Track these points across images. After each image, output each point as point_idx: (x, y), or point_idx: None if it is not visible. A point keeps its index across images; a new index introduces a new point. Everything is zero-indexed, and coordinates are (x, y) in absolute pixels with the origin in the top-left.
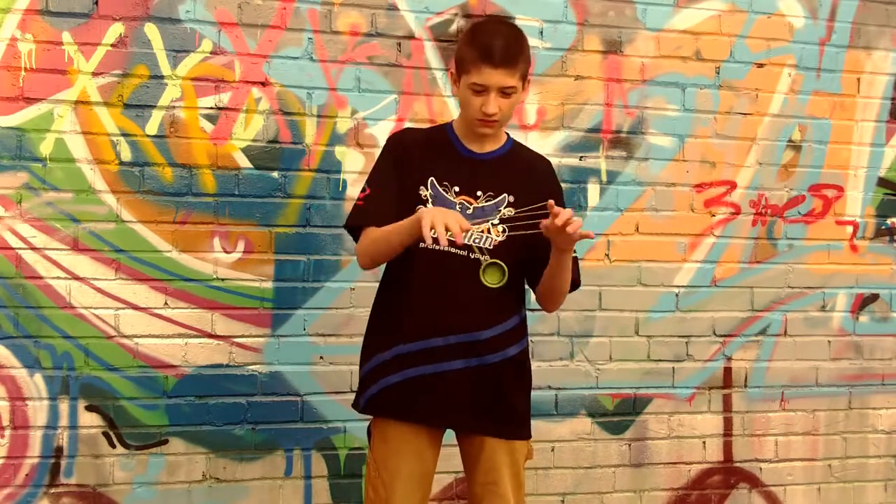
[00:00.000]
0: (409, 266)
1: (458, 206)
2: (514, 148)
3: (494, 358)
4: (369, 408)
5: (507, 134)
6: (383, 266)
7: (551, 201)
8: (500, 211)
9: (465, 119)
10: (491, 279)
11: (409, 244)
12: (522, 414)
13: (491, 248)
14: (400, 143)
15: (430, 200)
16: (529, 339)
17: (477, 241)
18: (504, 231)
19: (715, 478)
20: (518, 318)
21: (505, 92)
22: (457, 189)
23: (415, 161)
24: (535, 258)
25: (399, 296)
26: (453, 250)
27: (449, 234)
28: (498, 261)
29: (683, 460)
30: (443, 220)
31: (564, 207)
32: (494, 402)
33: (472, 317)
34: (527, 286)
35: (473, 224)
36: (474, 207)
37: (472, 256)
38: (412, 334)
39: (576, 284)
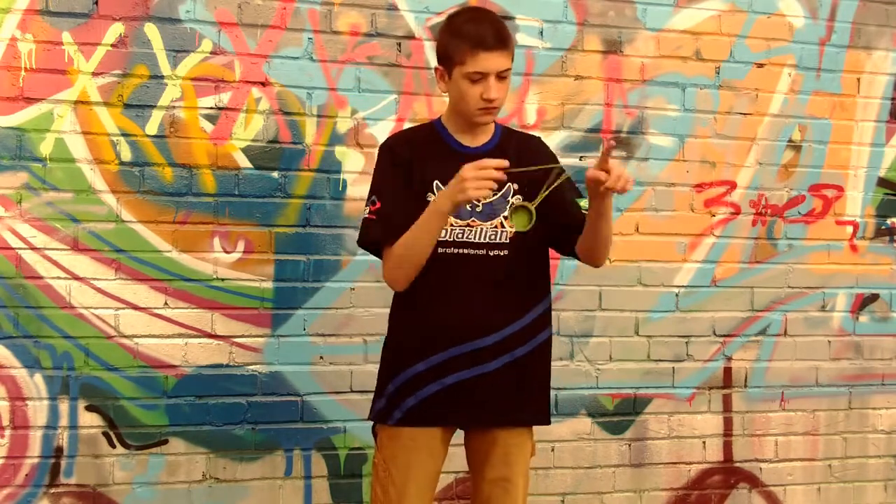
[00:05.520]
0: (430, 273)
1: (467, 206)
2: (505, 134)
3: (523, 350)
4: (406, 420)
5: (495, 122)
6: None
7: (611, 142)
8: (509, 201)
9: (461, 112)
10: (519, 223)
11: (436, 238)
12: (546, 399)
13: (507, 241)
14: (392, 151)
15: None
16: None
17: (492, 236)
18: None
19: (715, 478)
20: (544, 307)
21: (501, 75)
22: None
23: (413, 169)
24: (566, 224)
25: (425, 304)
26: (471, 251)
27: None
28: (525, 203)
29: (683, 460)
30: (476, 183)
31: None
32: (523, 392)
33: (502, 314)
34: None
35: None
36: (483, 204)
37: (492, 254)
38: (446, 342)
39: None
